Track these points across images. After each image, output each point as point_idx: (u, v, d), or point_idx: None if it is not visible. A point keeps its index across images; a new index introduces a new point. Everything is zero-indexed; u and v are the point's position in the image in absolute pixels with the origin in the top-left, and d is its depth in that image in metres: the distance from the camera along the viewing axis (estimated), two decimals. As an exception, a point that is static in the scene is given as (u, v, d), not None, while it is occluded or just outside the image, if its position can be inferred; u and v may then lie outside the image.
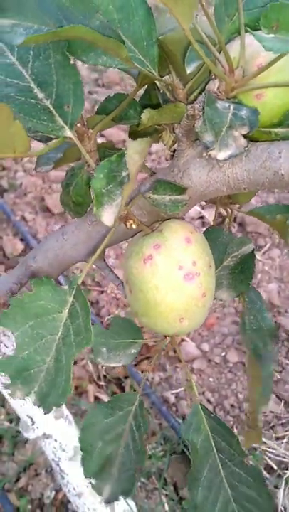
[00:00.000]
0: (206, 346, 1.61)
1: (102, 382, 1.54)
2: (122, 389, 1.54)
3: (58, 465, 0.91)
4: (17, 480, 1.39)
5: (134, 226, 0.40)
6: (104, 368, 1.56)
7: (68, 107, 0.38)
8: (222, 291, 0.49)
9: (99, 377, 1.55)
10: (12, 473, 1.39)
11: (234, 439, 0.49)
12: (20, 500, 1.34)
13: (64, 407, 0.86)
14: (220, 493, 0.48)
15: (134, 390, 1.51)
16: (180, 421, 1.44)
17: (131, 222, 0.40)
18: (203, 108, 0.36)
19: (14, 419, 1.47)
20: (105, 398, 1.51)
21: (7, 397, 0.78)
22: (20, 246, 1.84)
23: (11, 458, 1.42)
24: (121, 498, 1.16)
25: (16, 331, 0.39)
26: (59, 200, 0.46)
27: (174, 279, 0.40)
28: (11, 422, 1.47)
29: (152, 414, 1.46)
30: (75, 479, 0.95)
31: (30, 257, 0.53)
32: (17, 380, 0.40)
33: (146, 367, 1.56)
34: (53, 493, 1.37)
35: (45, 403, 0.40)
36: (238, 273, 0.49)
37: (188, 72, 0.38)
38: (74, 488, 0.96)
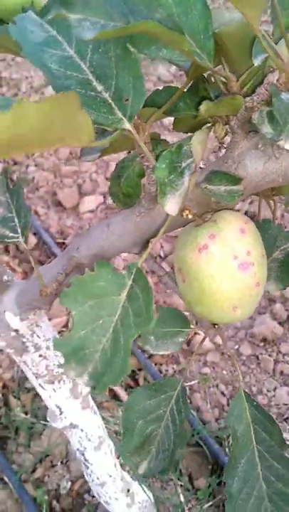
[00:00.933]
0: (219, 339, 1.62)
1: (116, 375, 1.55)
2: (136, 381, 1.55)
3: (83, 455, 0.92)
4: (33, 471, 1.40)
5: (190, 216, 0.41)
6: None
7: (127, 99, 0.39)
8: (270, 283, 0.50)
9: (113, 370, 1.56)
10: (28, 464, 1.40)
11: (275, 429, 0.50)
12: (37, 490, 1.35)
13: (90, 397, 0.87)
14: (255, 488, 0.48)
15: (148, 382, 1.52)
16: (194, 413, 1.46)
17: (187, 212, 0.40)
18: (262, 100, 0.37)
19: (29, 410, 1.48)
20: (119, 391, 1.52)
21: (36, 386, 0.79)
22: (33, 240, 1.85)
23: (27, 449, 1.43)
24: (140, 488, 1.17)
25: (75, 310, 0.39)
26: (108, 192, 0.47)
27: (229, 268, 0.41)
28: (26, 413, 1.49)
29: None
30: (98, 469, 0.96)
31: (72, 248, 0.54)
32: (71, 360, 0.39)
33: (161, 359, 1.57)
34: (69, 483, 1.38)
35: (100, 383, 0.39)
36: (286, 266, 0.50)
37: (255, 64, 0.38)
38: (97, 478, 0.97)
